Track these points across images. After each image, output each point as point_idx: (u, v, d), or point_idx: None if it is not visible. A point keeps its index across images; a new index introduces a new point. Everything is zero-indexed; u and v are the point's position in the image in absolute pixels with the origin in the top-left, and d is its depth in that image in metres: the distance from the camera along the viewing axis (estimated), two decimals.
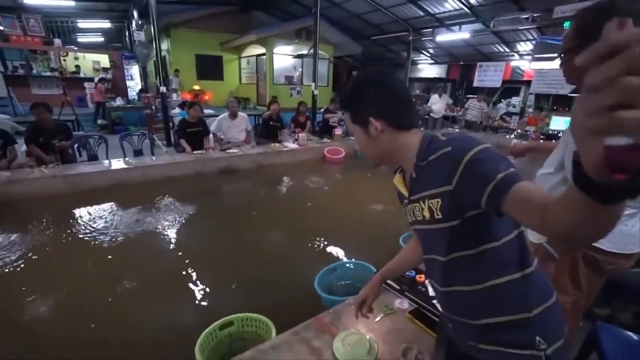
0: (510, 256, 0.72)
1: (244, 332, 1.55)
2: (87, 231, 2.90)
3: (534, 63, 9.26)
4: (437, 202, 0.69)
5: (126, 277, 2.27)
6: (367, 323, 1.35)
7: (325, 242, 2.83)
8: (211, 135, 4.78)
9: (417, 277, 1.66)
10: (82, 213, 3.24)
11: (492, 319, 0.74)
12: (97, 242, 2.74)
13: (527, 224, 0.57)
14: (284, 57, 10.61)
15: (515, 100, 11.48)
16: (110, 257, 2.58)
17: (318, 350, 1.20)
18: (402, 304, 1.48)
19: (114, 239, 2.80)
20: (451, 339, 0.92)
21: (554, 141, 1.66)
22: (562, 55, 1.13)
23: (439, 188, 0.67)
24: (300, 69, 11.15)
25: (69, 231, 2.89)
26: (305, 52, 9.18)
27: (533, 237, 1.39)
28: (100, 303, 2.03)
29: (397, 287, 1.58)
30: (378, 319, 1.38)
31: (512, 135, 7.39)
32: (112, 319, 1.92)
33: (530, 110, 9.39)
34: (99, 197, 3.48)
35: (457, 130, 7.86)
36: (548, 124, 7.05)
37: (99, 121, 8.21)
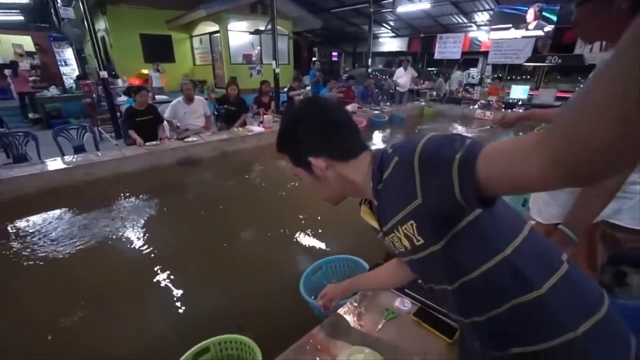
0: (527, 264, 0.58)
1: (224, 357, 1.31)
2: (20, 248, 2.42)
3: (492, 33, 9.44)
4: (412, 225, 0.58)
5: (75, 301, 1.90)
6: (369, 333, 1.16)
7: (306, 236, 2.61)
8: (165, 123, 4.26)
9: None
10: (10, 227, 2.68)
11: (524, 347, 0.60)
12: (34, 261, 2.28)
13: (526, 180, 0.39)
14: (240, 34, 9.87)
15: (474, 71, 11.77)
16: (53, 277, 2.16)
17: None
18: (404, 303, 1.30)
19: (57, 255, 2.35)
20: (477, 355, 0.75)
21: (550, 109, 1.52)
22: (577, 5, 0.96)
23: (407, 207, 0.56)
24: (258, 47, 10.48)
25: None
26: (262, 27, 8.56)
27: (540, 215, 1.26)
28: (44, 335, 1.67)
29: None
30: (380, 326, 1.19)
31: (476, 106, 7.51)
32: (66, 351, 1.58)
33: (489, 80, 9.64)
34: (31, 206, 2.93)
35: (422, 102, 7.86)
36: (508, 94, 7.22)
37: (31, 115, 7.14)
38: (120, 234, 2.64)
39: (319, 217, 2.86)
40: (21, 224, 2.76)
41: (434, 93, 9.25)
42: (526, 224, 0.64)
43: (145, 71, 9.56)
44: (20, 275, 2.19)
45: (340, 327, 1.19)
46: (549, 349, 0.57)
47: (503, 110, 6.88)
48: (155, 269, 2.20)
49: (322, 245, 2.49)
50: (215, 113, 5.62)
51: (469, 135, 0.50)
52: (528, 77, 10.97)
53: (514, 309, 0.58)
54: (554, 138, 0.34)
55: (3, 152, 3.93)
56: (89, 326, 1.76)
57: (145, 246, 2.50)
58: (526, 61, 8.58)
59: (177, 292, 2.00)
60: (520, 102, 6.95)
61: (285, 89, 6.58)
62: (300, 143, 0.69)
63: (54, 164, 3.32)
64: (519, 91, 6.97)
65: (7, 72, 7.29)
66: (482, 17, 10.89)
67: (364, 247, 1.95)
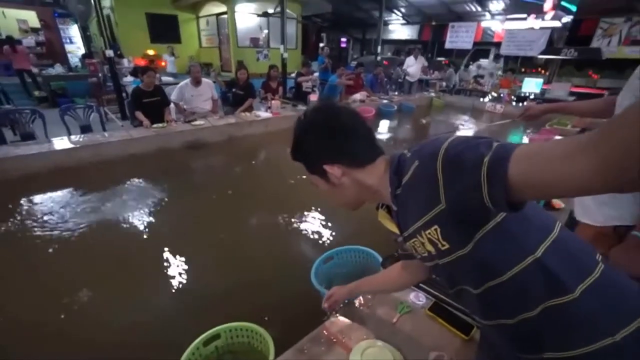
0: (560, 266, 0.55)
1: (234, 344, 1.30)
2: (28, 226, 2.41)
3: (507, 23, 9.15)
4: (436, 230, 0.56)
5: (84, 284, 1.89)
6: (383, 327, 1.14)
7: (315, 225, 2.58)
8: (172, 105, 4.21)
9: None
10: (18, 206, 2.67)
11: (558, 352, 0.57)
12: (42, 242, 2.27)
13: (567, 185, 0.38)
14: (248, 16, 9.65)
15: (485, 61, 11.49)
16: (60, 256, 2.15)
17: None
18: (418, 297, 1.28)
19: (65, 236, 2.34)
20: (497, 356, 0.73)
21: (579, 102, 1.45)
22: None
23: (430, 213, 0.54)
24: (266, 30, 10.26)
25: (5, 230, 2.39)
26: (271, 10, 8.35)
27: (588, 216, 1.19)
28: (53, 319, 1.67)
29: None
30: (395, 320, 1.18)
31: (487, 99, 7.36)
32: (70, 337, 1.58)
33: (500, 72, 9.42)
34: (39, 185, 2.91)
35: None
36: (520, 87, 7.05)
37: (37, 93, 7.07)
38: (127, 216, 2.63)
39: (329, 206, 2.83)
40: (29, 202, 2.75)
41: (444, 84, 9.07)
42: (556, 222, 0.61)
43: (151, 52, 9.41)
44: (27, 253, 2.18)
45: (354, 319, 1.17)
46: (585, 354, 0.54)
47: (514, 104, 6.73)
48: (162, 253, 2.18)
49: (333, 235, 2.47)
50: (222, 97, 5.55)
51: (494, 138, 0.48)
52: (540, 70, 10.72)
53: (547, 312, 0.55)
54: (606, 147, 0.33)
55: (10, 129, 3.91)
56: (96, 307, 1.76)
57: (152, 229, 2.49)
58: (540, 53, 8.33)
59: (184, 278, 1.99)
60: (532, 96, 6.79)
61: (293, 75, 6.46)
62: (314, 151, 0.69)
63: (62, 143, 3.29)
64: (531, 84, 6.80)
65: (5, 48, 6.99)
66: (497, 5, 10.55)
67: (377, 238, 1.92)
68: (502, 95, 7.08)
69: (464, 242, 0.56)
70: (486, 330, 0.71)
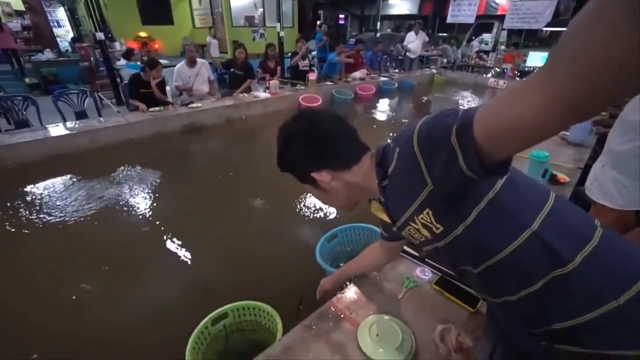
0: (558, 237, 0.54)
1: (242, 323, 1.31)
2: (26, 216, 2.40)
3: None
4: (428, 214, 0.57)
5: (84, 270, 1.90)
6: (390, 302, 1.14)
7: (317, 205, 2.56)
8: (168, 88, 4.12)
9: None
10: (16, 195, 2.63)
11: (565, 322, 0.56)
12: (41, 230, 2.26)
13: (523, 126, 0.36)
14: None
15: (488, 37, 11.17)
16: (60, 244, 2.15)
17: (340, 345, 0.98)
18: (424, 272, 1.28)
19: (64, 224, 2.33)
20: (507, 330, 0.73)
21: None
22: None
23: (420, 197, 0.54)
24: (261, 8, 9.91)
25: (4, 220, 2.37)
26: None
27: (610, 199, 1.14)
28: (53, 307, 1.68)
29: (415, 254, 1.37)
30: (401, 295, 1.17)
31: (489, 74, 7.20)
32: (77, 321, 1.60)
33: (503, 47, 9.16)
34: (36, 174, 2.87)
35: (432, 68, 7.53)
36: (525, 61, 6.86)
37: (27, 80, 6.91)
38: (127, 202, 2.62)
39: None
40: (26, 191, 2.72)
41: (445, 60, 8.85)
42: (550, 193, 0.60)
43: (143, 33, 9.13)
44: (26, 242, 2.17)
45: (361, 295, 1.17)
46: (590, 320, 0.54)
47: (518, 79, 6.58)
48: (164, 236, 2.19)
49: (336, 214, 2.46)
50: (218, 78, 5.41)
51: (460, 107, 0.47)
52: (543, 44, 10.41)
53: (549, 285, 0.55)
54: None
55: (3, 117, 3.84)
56: (97, 294, 1.76)
57: (153, 215, 2.48)
58: (546, 26, 8.06)
59: (188, 261, 1.99)
60: (535, 69, 6.63)
61: (290, 54, 6.28)
62: (299, 162, 0.70)
63: (57, 130, 3.23)
64: (536, 59, 6.62)
65: None
66: None
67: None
68: (505, 70, 6.91)
69: (458, 222, 0.55)
70: (494, 306, 0.70)
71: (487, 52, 8.96)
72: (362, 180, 0.68)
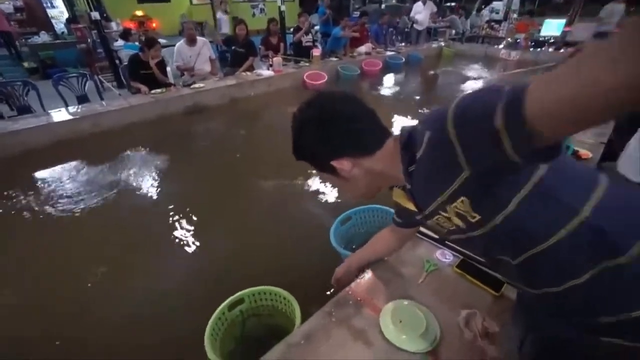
0: (611, 224, 0.49)
1: (258, 308, 1.30)
2: (32, 202, 2.38)
3: None
4: (463, 202, 0.52)
5: (94, 255, 1.89)
6: (411, 286, 1.10)
7: (328, 187, 2.51)
8: (169, 69, 3.99)
9: None
10: (24, 182, 2.61)
11: (615, 316, 0.51)
12: (50, 219, 2.25)
13: (595, 102, 0.30)
14: None
15: (498, 4, 10.60)
16: (67, 231, 2.14)
17: (362, 332, 0.95)
18: (445, 255, 1.24)
19: (73, 211, 2.31)
20: (541, 321, 0.69)
21: None
22: None
23: (453, 184, 0.49)
24: None
25: (10, 208, 2.34)
26: None
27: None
28: (65, 292, 1.68)
29: (434, 236, 1.33)
30: (421, 279, 1.14)
31: (501, 45, 6.88)
32: (91, 310, 1.60)
33: (515, 16, 8.71)
34: (41, 160, 2.84)
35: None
36: (539, 30, 6.52)
37: (26, 64, 6.77)
38: (132, 186, 2.60)
39: None
40: (32, 177, 2.70)
41: (453, 32, 8.45)
42: (601, 176, 0.53)
43: (139, 13, 8.82)
44: (31, 229, 2.16)
45: (380, 280, 1.14)
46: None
47: (532, 49, 6.28)
48: (171, 221, 2.16)
49: (347, 196, 2.41)
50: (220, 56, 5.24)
51: (503, 84, 0.41)
52: (559, 11, 9.86)
53: (600, 276, 0.50)
54: (626, 62, 0.27)
55: (5, 104, 3.78)
56: (109, 280, 1.75)
57: (159, 198, 2.46)
58: None
59: (199, 246, 1.97)
60: (552, 40, 6.31)
61: (292, 30, 6.02)
62: (316, 151, 0.64)
63: (60, 115, 3.18)
64: (552, 27, 6.26)
65: None
66: None
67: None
68: (518, 40, 6.59)
69: (497, 210, 0.51)
70: (528, 296, 0.65)
71: (498, 22, 8.53)
72: (385, 167, 0.63)
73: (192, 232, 2.06)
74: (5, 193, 2.46)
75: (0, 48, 7.11)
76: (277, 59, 4.54)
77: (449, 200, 0.53)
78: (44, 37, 6.92)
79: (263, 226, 2.12)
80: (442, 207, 0.56)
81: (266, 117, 4.05)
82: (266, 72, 4.49)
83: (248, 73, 4.47)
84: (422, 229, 1.35)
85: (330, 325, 0.98)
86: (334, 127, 0.61)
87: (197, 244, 1.98)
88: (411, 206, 0.68)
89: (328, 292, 1.51)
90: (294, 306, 1.16)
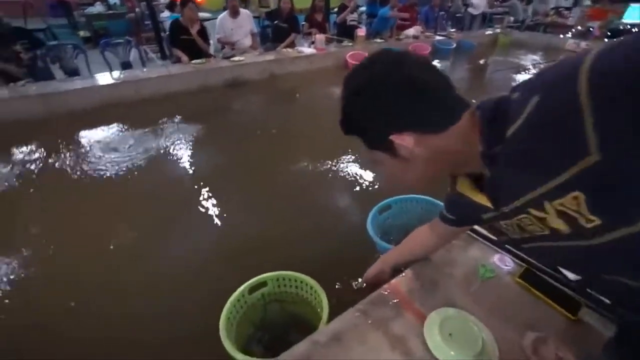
0: None
1: (282, 293, 1.19)
2: (78, 164, 2.43)
3: None
4: (575, 197, 0.36)
5: (129, 220, 1.88)
6: (462, 294, 0.93)
7: (369, 173, 2.33)
8: (212, 42, 3.95)
9: None
10: (67, 142, 2.67)
11: None
12: (88, 176, 2.29)
13: None
14: None
15: None
16: (107, 193, 2.16)
17: (402, 340, 0.81)
18: (504, 261, 1.04)
19: (109, 171, 2.34)
20: None
21: None
22: None
23: (567, 171, 0.35)
24: None
25: (52, 165, 2.40)
26: None
27: None
28: (96, 256, 1.68)
29: (491, 237, 1.13)
30: (475, 287, 0.96)
31: (569, 34, 6.14)
32: (114, 273, 1.59)
33: (588, 2, 7.75)
34: (84, 121, 2.91)
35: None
36: (620, 17, 5.69)
37: (82, 33, 7.10)
38: (166, 153, 2.59)
39: None
40: (72, 138, 2.75)
41: (511, 19, 7.68)
42: None
43: None
44: (72, 189, 2.20)
45: (424, 281, 0.97)
46: None
47: (606, 40, 5.52)
48: (199, 192, 2.11)
49: (394, 182, 2.23)
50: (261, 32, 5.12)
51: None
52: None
53: None
54: None
55: (60, 68, 3.94)
56: (137, 246, 1.73)
57: (192, 170, 2.42)
58: None
59: (228, 223, 1.89)
60: (633, 28, 5.50)
61: (337, 9, 5.74)
62: (375, 119, 0.51)
63: (103, 78, 3.25)
64: (635, 13, 5.44)
65: None
66: None
67: (441, 187, 1.66)
68: (591, 29, 5.82)
69: (634, 213, 0.35)
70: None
71: (568, 9, 7.64)
72: (456, 148, 0.49)
73: (218, 207, 2.00)
74: (45, 151, 2.54)
75: (61, 17, 7.51)
76: (320, 37, 4.35)
77: (553, 195, 0.39)
78: (98, 8, 7.20)
79: (293, 208, 2.01)
80: (536, 203, 0.42)
81: (305, 95, 3.90)
82: (308, 50, 4.32)
83: (289, 50, 4.32)
84: (477, 227, 1.16)
85: (364, 327, 0.84)
86: (400, 93, 0.48)
87: (222, 219, 1.91)
88: (482, 200, 0.53)
89: (355, 284, 1.38)
90: (321, 297, 1.04)
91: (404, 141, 0.49)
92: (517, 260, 1.04)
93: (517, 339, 0.81)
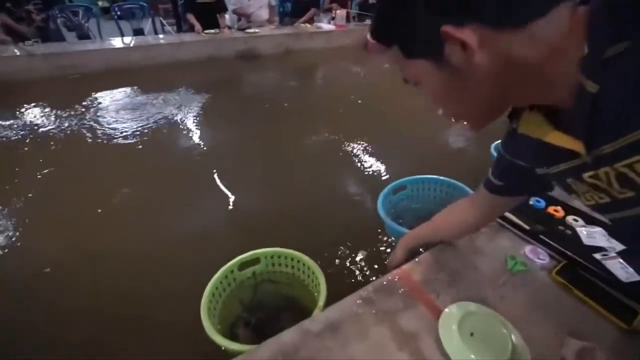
0: None
1: (276, 273, 1.06)
2: (80, 127, 2.36)
3: None
4: None
5: (129, 186, 1.80)
6: (486, 287, 0.77)
7: (383, 152, 2.17)
8: (227, 15, 3.78)
9: (552, 209, 1.02)
10: (72, 103, 2.61)
11: None
12: (98, 139, 2.24)
13: None
14: None
15: None
16: (114, 156, 2.10)
17: (411, 337, 0.66)
18: (537, 254, 0.87)
19: (114, 136, 2.27)
20: None
21: None
22: None
23: None
24: None
25: (56, 126, 2.34)
26: None
27: None
28: (95, 213, 1.61)
29: (524, 226, 0.96)
30: (502, 280, 0.80)
31: None
32: (110, 233, 1.50)
33: None
34: (91, 84, 2.85)
35: None
36: None
37: (100, 3, 7.07)
38: (173, 122, 2.50)
39: (401, 132, 2.39)
40: (81, 100, 2.69)
41: None
42: None
43: None
44: (82, 151, 2.15)
45: (443, 269, 0.82)
46: None
47: None
48: (206, 163, 2.03)
49: (402, 160, 2.07)
50: (281, 9, 4.90)
51: None
52: None
53: None
54: None
55: (76, 36, 3.88)
56: (135, 214, 1.66)
57: (199, 140, 2.33)
58: None
59: (231, 197, 1.77)
60: None
61: None
62: (423, 8, 0.34)
63: (114, 42, 3.16)
64: None
65: None
66: None
67: (465, 168, 1.48)
68: None
69: None
70: None
71: None
72: (540, 53, 0.32)
73: (224, 179, 1.88)
74: (55, 112, 2.47)
75: None
76: (341, 12, 4.11)
77: None
78: None
79: (300, 185, 1.87)
80: None
81: (320, 72, 3.72)
82: (327, 26, 4.10)
83: (308, 25, 4.11)
84: (507, 213, 0.99)
85: (367, 318, 0.69)
86: None
87: (227, 192, 1.80)
88: (561, 139, 0.36)
89: (358, 269, 1.23)
90: (319, 279, 0.90)
91: (465, 36, 0.32)
92: (552, 253, 0.87)
93: (555, 346, 0.65)
